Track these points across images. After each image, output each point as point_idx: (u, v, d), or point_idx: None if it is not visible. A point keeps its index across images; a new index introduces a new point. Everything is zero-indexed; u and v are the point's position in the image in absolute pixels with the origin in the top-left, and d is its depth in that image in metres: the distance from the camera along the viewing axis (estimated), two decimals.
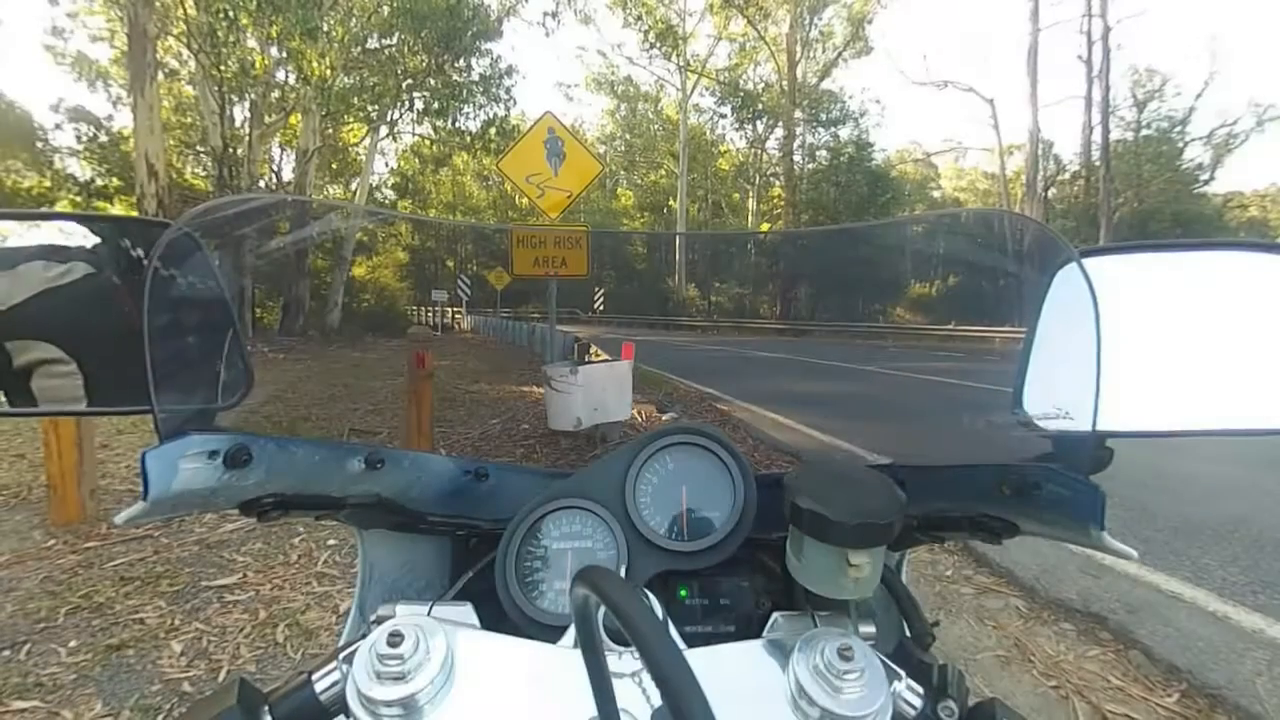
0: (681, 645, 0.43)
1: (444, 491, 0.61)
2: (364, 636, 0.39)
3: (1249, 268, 0.45)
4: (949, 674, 0.43)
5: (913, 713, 0.41)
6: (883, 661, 0.40)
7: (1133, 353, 0.42)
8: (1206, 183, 30.06)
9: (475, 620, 0.49)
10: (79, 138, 22.86)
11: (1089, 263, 0.42)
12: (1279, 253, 0.45)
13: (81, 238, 0.50)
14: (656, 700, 0.38)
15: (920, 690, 0.42)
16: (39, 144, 23.41)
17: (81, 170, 22.84)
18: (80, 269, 0.48)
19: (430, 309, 27.25)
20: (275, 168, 22.74)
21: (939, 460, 0.56)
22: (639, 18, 30.90)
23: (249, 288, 13.89)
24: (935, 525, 0.54)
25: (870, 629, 0.49)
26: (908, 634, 0.55)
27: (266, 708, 0.38)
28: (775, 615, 0.50)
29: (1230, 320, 0.44)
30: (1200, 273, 0.46)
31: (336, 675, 0.40)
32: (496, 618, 0.52)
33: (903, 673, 0.42)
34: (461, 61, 17.71)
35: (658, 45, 31.79)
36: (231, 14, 11.87)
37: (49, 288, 0.47)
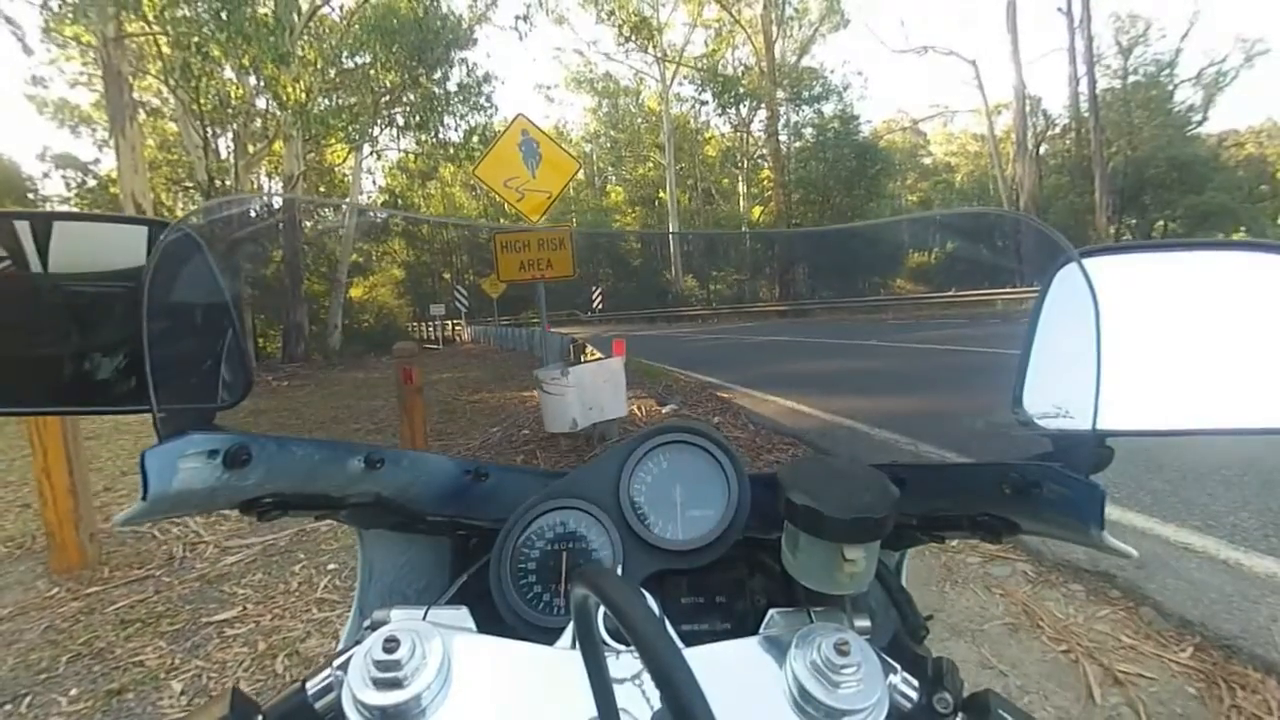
0: (679, 644, 0.43)
1: (443, 491, 0.61)
2: (359, 642, 0.39)
3: (1249, 268, 0.45)
4: (944, 666, 0.43)
5: (909, 705, 0.41)
6: (878, 655, 0.40)
7: (1133, 352, 0.42)
8: (1199, 124, 29.67)
9: (471, 623, 0.48)
10: (67, 184, 23.04)
11: (1089, 263, 0.42)
12: (1279, 253, 0.44)
13: (81, 238, 0.50)
14: (655, 700, 0.38)
15: (915, 683, 0.42)
16: (30, 195, 23.58)
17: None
18: (80, 269, 0.49)
19: (430, 323, 27.32)
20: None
21: (938, 456, 0.55)
22: (612, 13, 30.71)
23: (248, 297, 13.94)
24: (935, 524, 0.54)
25: (866, 623, 0.49)
26: (902, 627, 0.55)
27: (260, 717, 0.38)
28: (771, 612, 0.49)
29: (1230, 320, 0.44)
30: (1200, 273, 0.46)
31: (331, 682, 0.39)
32: (494, 620, 0.52)
33: (898, 666, 0.42)
34: (437, 73, 17.67)
35: (633, 38, 31.60)
36: (203, 47, 11.85)
37: (49, 287, 0.47)
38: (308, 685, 0.40)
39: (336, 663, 0.40)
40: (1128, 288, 0.44)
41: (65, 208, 22.94)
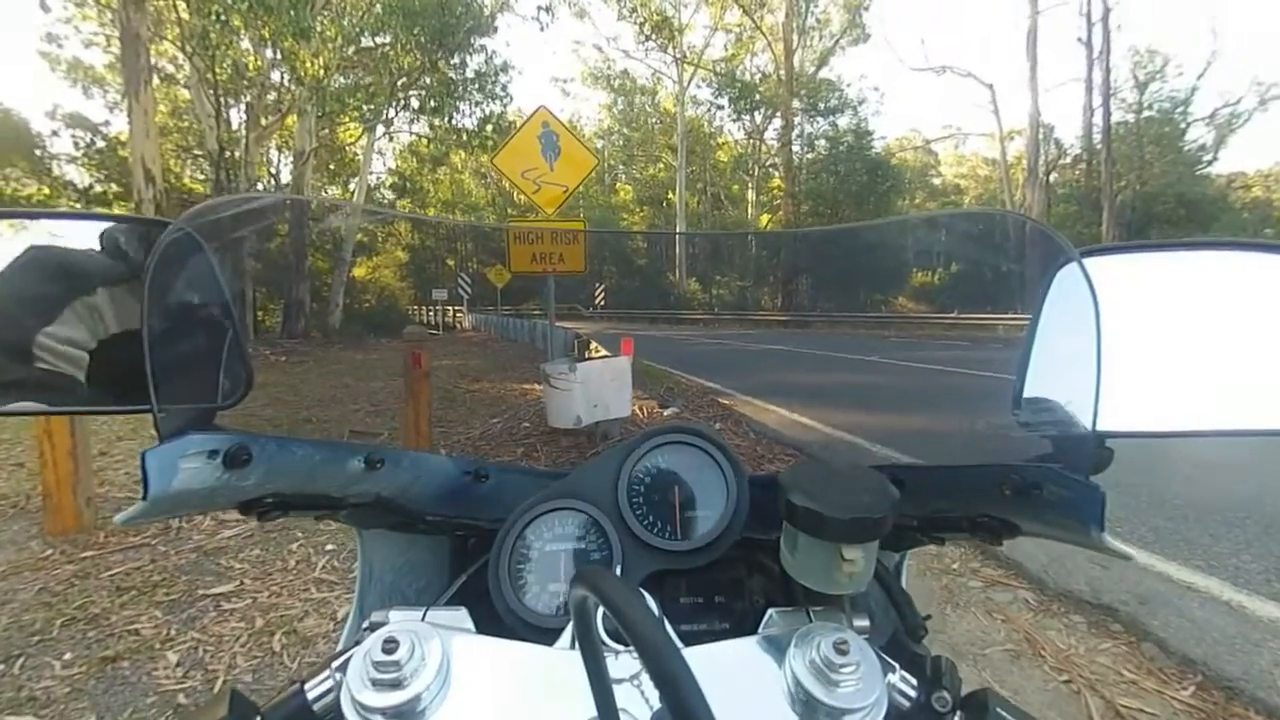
0: (679, 644, 0.43)
1: (443, 491, 0.61)
2: (358, 643, 0.39)
3: (1249, 268, 0.45)
4: (942, 665, 0.43)
5: (907, 704, 0.41)
6: (877, 654, 0.40)
7: (1133, 353, 0.42)
8: (1210, 163, 29.79)
9: (470, 624, 0.48)
10: (76, 144, 22.80)
11: (1089, 262, 0.42)
12: (1279, 252, 0.44)
13: (81, 237, 0.49)
14: (655, 700, 0.38)
15: (914, 682, 0.42)
16: (38, 151, 23.40)
17: (80, 176, 22.83)
18: (80, 268, 0.48)
19: (431, 308, 27.23)
20: (273, 170, 22.70)
21: (938, 460, 0.55)
22: (634, 10, 30.70)
23: (249, 288, 13.87)
24: (935, 525, 0.54)
25: (865, 623, 0.49)
26: (901, 627, 0.55)
27: (259, 718, 0.38)
28: (771, 612, 0.49)
29: (1230, 320, 0.44)
30: (1200, 273, 0.46)
31: (330, 683, 0.39)
32: (493, 620, 0.52)
33: (897, 665, 0.42)
34: (456, 58, 17.62)
35: (653, 37, 31.61)
36: (224, 16, 11.79)
37: (49, 286, 0.47)
38: (306, 686, 0.40)
39: (335, 664, 0.40)
40: (1128, 288, 0.44)
41: (74, 169, 22.81)
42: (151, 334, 0.40)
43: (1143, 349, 0.43)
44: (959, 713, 0.40)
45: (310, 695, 0.39)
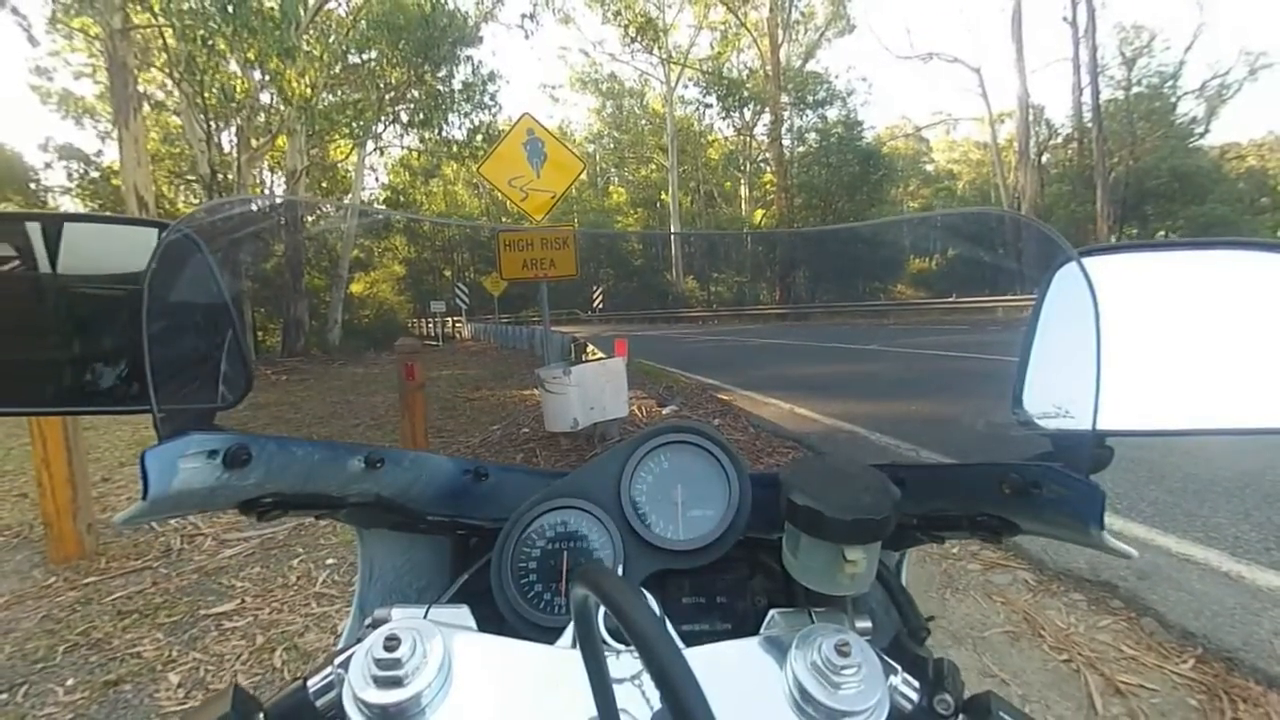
0: (680, 644, 0.43)
1: (443, 491, 0.61)
2: (360, 640, 0.39)
3: (1249, 267, 0.45)
4: (944, 667, 0.43)
5: (909, 706, 0.40)
6: (879, 656, 0.40)
7: (1133, 352, 0.42)
8: (1202, 136, 29.69)
9: (472, 622, 0.48)
10: (70, 175, 22.98)
11: (1088, 262, 0.42)
12: (1279, 252, 0.44)
13: (90, 239, 0.50)
14: (655, 700, 0.38)
15: (916, 684, 0.42)
16: (31, 185, 23.56)
17: (75, 207, 22.97)
18: (87, 270, 0.49)
19: (430, 320, 27.31)
20: (266, 191, 22.77)
21: (938, 459, 0.55)
22: (618, 13, 30.77)
23: (248, 307, 13.93)
24: (935, 525, 0.54)
25: (867, 624, 0.49)
26: (903, 629, 0.55)
27: (261, 715, 0.38)
28: (772, 612, 0.49)
29: (1230, 320, 0.44)
30: (1200, 272, 0.46)
31: (332, 680, 0.39)
32: (494, 619, 0.52)
33: (899, 667, 0.42)
34: (442, 71, 17.69)
35: (639, 39, 31.68)
36: (209, 40, 11.83)
37: (54, 288, 0.48)
38: (309, 683, 0.40)
39: (337, 661, 0.40)
40: (1127, 287, 0.44)
41: (68, 200, 22.94)
42: (151, 334, 0.40)
43: (1142, 348, 0.43)
44: (961, 716, 0.40)
45: (312, 691, 0.40)
